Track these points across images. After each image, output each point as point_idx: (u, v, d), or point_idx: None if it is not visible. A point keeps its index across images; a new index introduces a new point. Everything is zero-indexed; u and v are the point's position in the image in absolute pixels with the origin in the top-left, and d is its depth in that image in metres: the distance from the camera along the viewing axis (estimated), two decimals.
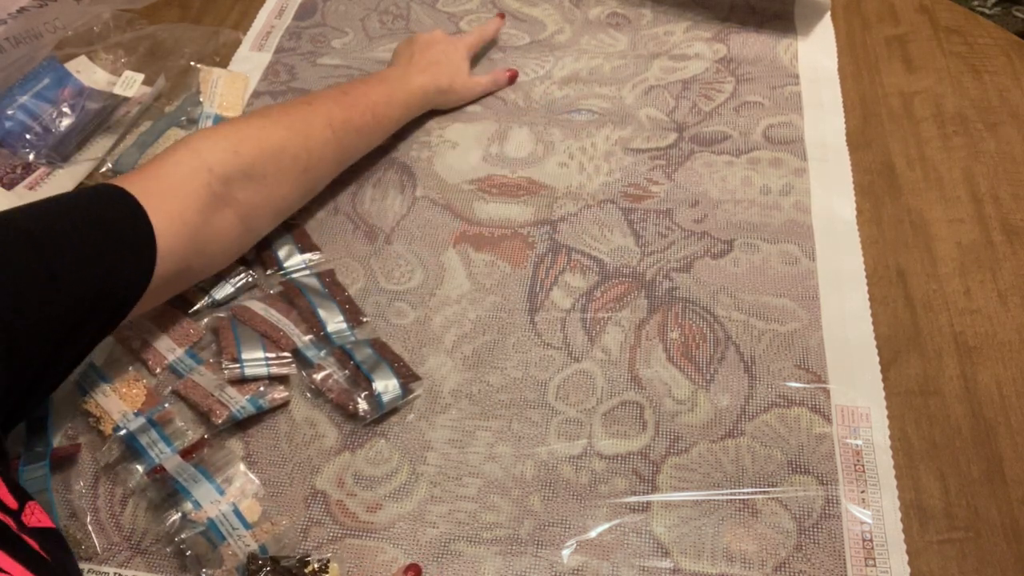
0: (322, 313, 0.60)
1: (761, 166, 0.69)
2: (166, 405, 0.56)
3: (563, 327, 0.60)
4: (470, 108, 0.76)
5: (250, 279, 0.64)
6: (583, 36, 0.83)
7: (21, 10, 0.77)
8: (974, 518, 0.50)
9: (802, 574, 0.48)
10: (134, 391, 0.57)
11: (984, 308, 0.59)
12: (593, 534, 0.50)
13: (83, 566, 0.50)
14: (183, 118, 0.76)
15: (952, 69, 0.77)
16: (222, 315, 0.61)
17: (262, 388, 0.57)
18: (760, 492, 0.51)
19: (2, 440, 0.44)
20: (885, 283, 0.61)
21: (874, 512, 0.50)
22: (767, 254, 0.63)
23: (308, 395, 0.57)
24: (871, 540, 0.49)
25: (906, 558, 0.48)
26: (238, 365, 0.56)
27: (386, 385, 0.55)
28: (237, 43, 0.85)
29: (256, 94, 0.79)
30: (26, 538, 0.38)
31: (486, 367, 0.58)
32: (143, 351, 0.59)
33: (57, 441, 0.56)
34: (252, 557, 0.48)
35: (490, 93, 0.77)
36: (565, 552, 0.50)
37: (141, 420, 0.54)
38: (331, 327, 0.59)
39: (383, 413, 0.55)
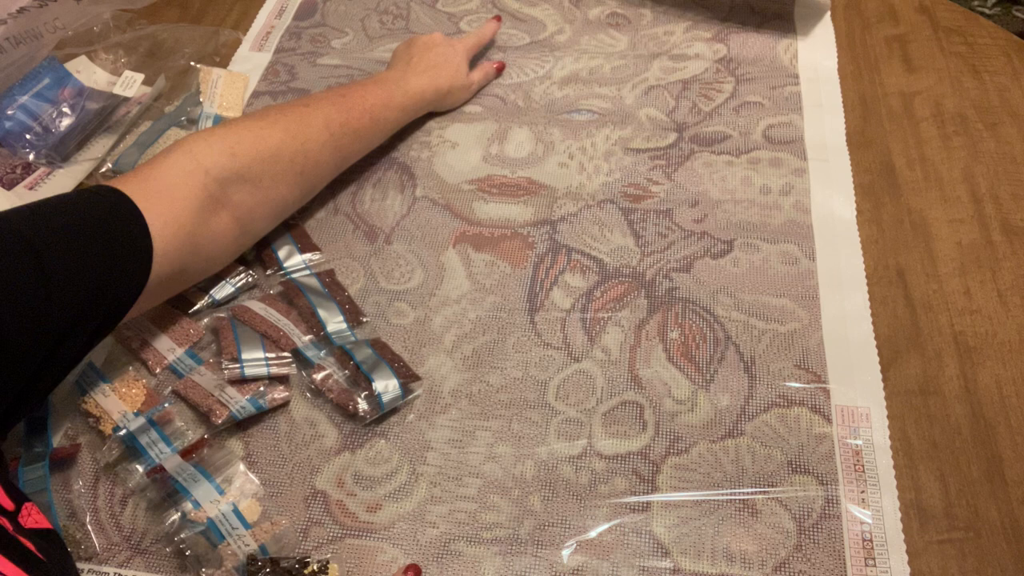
0: (322, 313, 0.60)
1: (761, 166, 0.69)
2: (166, 405, 0.56)
3: (563, 327, 0.60)
4: (470, 108, 0.76)
5: (250, 279, 0.64)
6: (583, 36, 0.83)
7: (21, 10, 0.77)
8: (974, 518, 0.50)
9: (802, 574, 0.48)
10: (134, 391, 0.57)
11: (984, 308, 0.59)
12: (593, 534, 0.50)
13: (83, 566, 0.50)
14: (183, 118, 0.76)
15: (952, 69, 0.77)
16: (222, 315, 0.61)
17: (262, 388, 0.57)
18: (760, 492, 0.51)
19: None
20: (885, 283, 0.61)
21: (874, 512, 0.50)
22: (767, 254, 0.63)
23: (308, 395, 0.57)
24: (871, 540, 0.49)
25: (906, 558, 0.48)
26: (238, 365, 0.56)
27: (386, 385, 0.55)
28: (237, 43, 0.85)
29: (256, 94, 0.79)
30: (23, 539, 0.38)
31: (486, 367, 0.58)
32: (143, 351, 0.59)
33: (57, 441, 0.56)
34: (252, 558, 0.48)
35: (482, 88, 0.78)
36: (565, 552, 0.50)
37: (141, 420, 0.54)
38: (331, 327, 0.59)
39: (383, 413, 0.55)
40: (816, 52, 0.79)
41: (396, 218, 0.68)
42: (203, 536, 0.49)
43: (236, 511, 0.50)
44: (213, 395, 0.56)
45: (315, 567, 0.48)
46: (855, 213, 0.66)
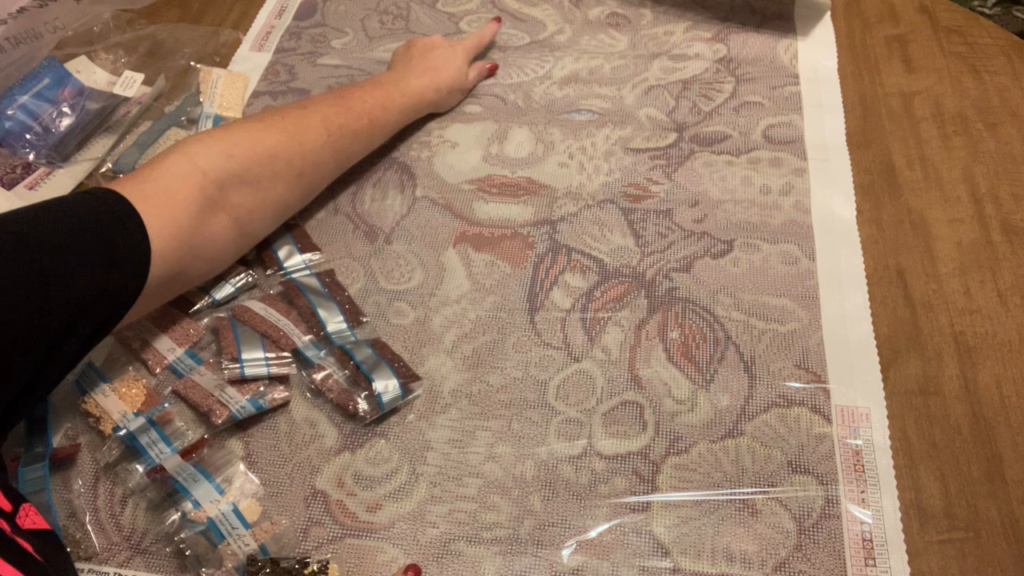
0: (322, 313, 0.60)
1: (761, 166, 0.69)
2: (166, 405, 0.56)
3: (563, 327, 0.60)
4: (470, 108, 0.76)
5: (250, 279, 0.64)
6: (583, 36, 0.83)
7: (21, 10, 0.77)
8: (974, 518, 0.50)
9: (802, 574, 0.48)
10: (134, 391, 0.57)
11: (984, 308, 0.59)
12: (593, 534, 0.50)
13: (83, 566, 0.50)
14: (183, 118, 0.76)
15: (952, 69, 0.77)
16: (222, 315, 0.61)
17: (262, 388, 0.57)
18: (760, 492, 0.51)
19: None
20: (885, 283, 0.61)
21: (874, 512, 0.50)
22: (767, 254, 0.63)
23: (308, 395, 0.57)
24: (871, 540, 0.49)
25: (906, 558, 0.48)
26: (238, 365, 0.56)
27: (386, 385, 0.55)
28: (237, 43, 0.85)
29: (256, 94, 0.79)
30: (20, 540, 0.38)
31: (486, 367, 0.58)
32: (143, 351, 0.59)
33: (57, 441, 0.56)
34: (251, 559, 0.48)
35: (476, 84, 0.78)
36: (565, 552, 0.50)
37: (141, 420, 0.54)
38: (331, 327, 0.59)
39: (383, 413, 0.55)
40: (816, 52, 0.79)
41: (396, 218, 0.68)
42: (203, 536, 0.49)
43: (236, 511, 0.50)
44: (213, 395, 0.56)
45: (315, 567, 0.48)
46: (855, 213, 0.66)
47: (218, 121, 0.75)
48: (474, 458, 0.54)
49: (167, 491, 0.52)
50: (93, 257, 0.47)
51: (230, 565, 0.48)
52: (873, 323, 0.59)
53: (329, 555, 0.50)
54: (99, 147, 0.75)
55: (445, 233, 0.66)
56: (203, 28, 0.86)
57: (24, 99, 0.75)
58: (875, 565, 0.48)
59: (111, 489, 0.54)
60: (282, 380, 0.58)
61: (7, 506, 0.40)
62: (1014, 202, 0.66)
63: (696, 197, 0.67)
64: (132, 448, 0.54)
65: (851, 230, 0.64)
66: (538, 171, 0.70)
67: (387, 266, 0.65)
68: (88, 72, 0.80)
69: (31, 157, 0.73)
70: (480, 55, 0.80)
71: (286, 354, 0.58)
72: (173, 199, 0.53)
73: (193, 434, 0.55)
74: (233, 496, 0.51)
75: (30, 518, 0.41)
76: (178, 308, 0.61)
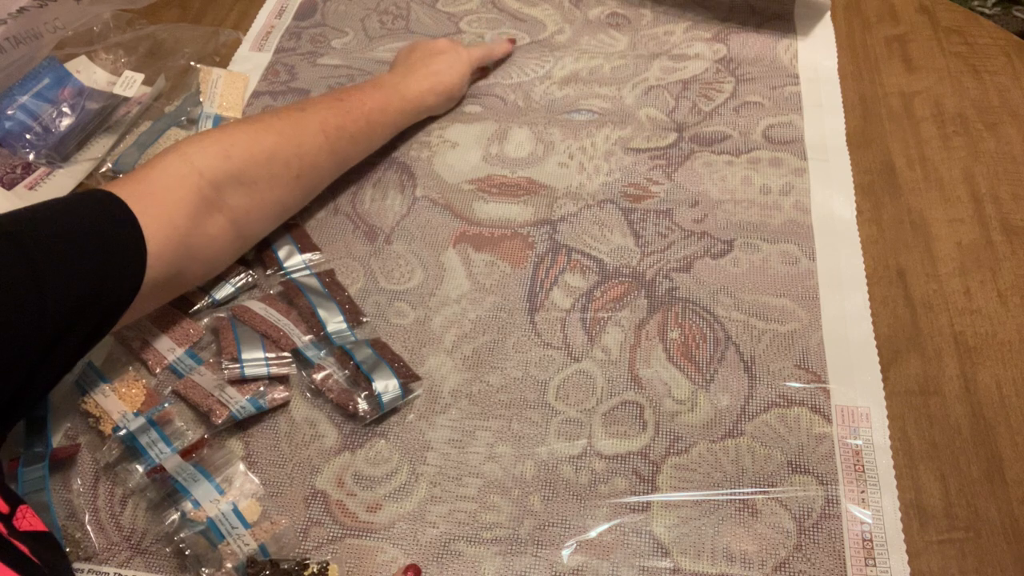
0: (322, 313, 0.60)
1: (761, 166, 0.69)
2: (166, 405, 0.56)
3: (563, 327, 0.60)
4: (470, 108, 0.76)
5: (250, 279, 0.64)
6: (583, 36, 0.83)
7: (21, 10, 0.77)
8: (974, 518, 0.50)
9: (802, 574, 0.48)
10: (134, 391, 0.57)
11: (984, 308, 0.59)
12: (593, 534, 0.50)
13: (83, 566, 0.50)
14: (183, 118, 0.76)
15: (952, 69, 0.77)
16: (222, 315, 0.61)
17: (262, 388, 0.57)
18: (760, 492, 0.51)
19: None
20: (885, 283, 0.61)
21: (874, 512, 0.50)
22: (767, 254, 0.63)
23: (308, 395, 0.57)
24: (871, 540, 0.49)
25: (906, 558, 0.48)
26: (238, 365, 0.56)
27: (386, 385, 0.55)
28: (237, 43, 0.85)
29: (256, 94, 0.79)
30: (16, 543, 0.38)
31: (486, 367, 0.58)
32: (143, 351, 0.59)
33: (57, 441, 0.56)
34: (251, 560, 0.48)
35: (486, 65, 0.78)
36: (565, 552, 0.50)
37: (141, 420, 0.54)
38: (331, 327, 0.59)
39: (383, 413, 0.55)
40: (816, 52, 0.79)
41: (396, 218, 0.68)
42: (203, 536, 0.49)
43: (236, 511, 0.50)
44: (213, 395, 0.56)
45: (315, 569, 0.48)
46: (855, 213, 0.66)
47: (218, 121, 0.75)
48: (474, 458, 0.54)
49: (167, 491, 0.52)
50: (89, 259, 0.47)
51: (230, 565, 0.48)
52: (873, 323, 0.59)
53: (329, 555, 0.50)
54: (99, 147, 0.75)
55: (445, 233, 0.66)
56: (203, 28, 0.86)
57: (24, 99, 0.75)
58: (875, 565, 0.48)
59: (111, 489, 0.54)
60: (282, 380, 0.58)
61: (4, 508, 0.40)
62: (1014, 202, 0.66)
63: (696, 197, 0.67)
64: (132, 448, 0.54)
65: (851, 230, 0.64)
66: (538, 171, 0.70)
67: (387, 266, 0.65)
68: (88, 72, 0.80)
69: (31, 157, 0.73)
70: (491, 67, 0.80)
71: (286, 354, 0.58)
72: (170, 200, 0.53)
73: (193, 434, 0.55)
74: (233, 496, 0.51)
75: (27, 520, 0.41)
76: (178, 308, 0.61)
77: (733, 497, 0.51)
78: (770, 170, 0.69)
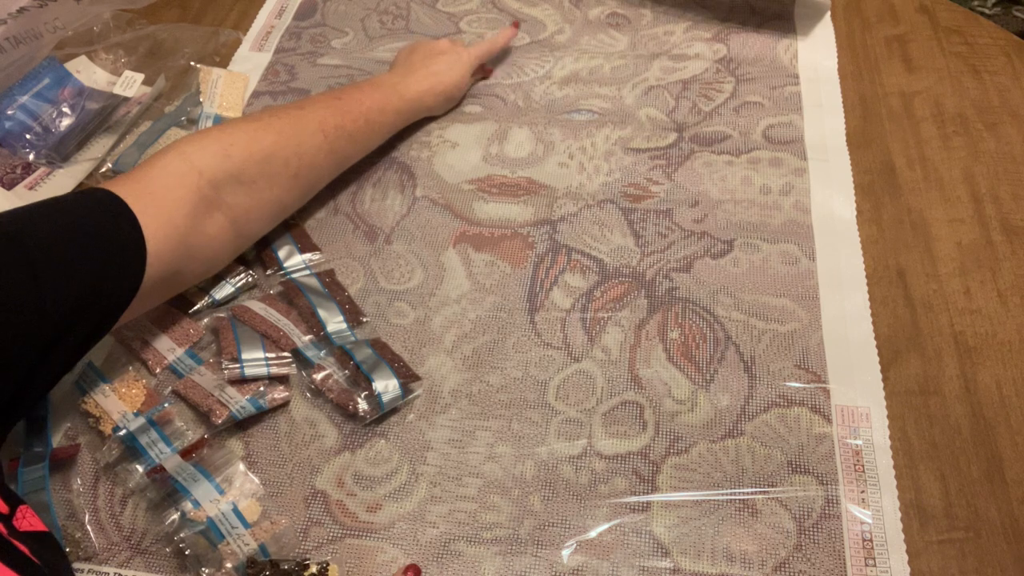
0: (322, 313, 0.60)
1: (761, 166, 0.69)
2: (166, 405, 0.56)
3: (563, 327, 0.60)
4: (470, 108, 0.76)
5: (250, 279, 0.64)
6: (583, 36, 0.83)
7: (21, 10, 0.77)
8: (974, 518, 0.50)
9: (802, 574, 0.48)
10: (134, 391, 0.57)
11: (984, 308, 0.59)
12: (593, 534, 0.50)
13: (82, 566, 0.50)
14: (183, 118, 0.76)
15: (952, 69, 0.77)
16: (222, 315, 0.61)
17: (262, 388, 0.57)
18: (760, 492, 0.51)
19: None
20: (885, 283, 0.61)
21: (874, 512, 0.50)
22: (767, 254, 0.63)
23: (308, 395, 0.57)
24: (871, 540, 0.49)
25: (906, 558, 0.48)
26: (238, 365, 0.56)
27: (386, 385, 0.55)
28: (237, 43, 0.85)
29: (256, 94, 0.79)
30: (16, 543, 0.38)
31: (486, 367, 0.58)
32: (143, 351, 0.59)
33: (57, 441, 0.56)
34: (251, 560, 0.48)
35: (487, 58, 0.78)
36: (565, 552, 0.50)
37: (141, 420, 0.54)
38: (331, 327, 0.59)
39: (383, 413, 0.55)
40: (816, 52, 0.79)
41: (396, 218, 0.68)
42: (203, 535, 0.49)
43: (236, 510, 0.50)
44: (213, 395, 0.56)
45: (315, 569, 0.48)
46: (855, 213, 0.66)
47: (218, 121, 0.75)
48: (474, 458, 0.54)
49: (167, 491, 0.52)
50: (89, 257, 0.47)
51: (230, 565, 0.48)
52: (873, 323, 0.59)
53: (329, 555, 0.50)
54: (99, 147, 0.75)
55: (445, 233, 0.66)
56: (203, 28, 0.86)
57: (24, 99, 0.75)
58: (875, 565, 0.48)
59: (111, 489, 0.54)
60: (282, 380, 0.58)
61: (4, 508, 0.40)
62: (1014, 202, 0.66)
63: (696, 197, 0.67)
64: (132, 448, 0.54)
65: (851, 230, 0.64)
66: (538, 171, 0.70)
67: (387, 266, 0.65)
68: (88, 72, 0.80)
69: (31, 157, 0.73)
70: (499, 59, 0.80)
71: (286, 354, 0.58)
72: (169, 199, 0.53)
73: (193, 434, 0.55)
74: (233, 496, 0.51)
75: (27, 520, 0.41)
76: (178, 308, 0.61)
77: (733, 497, 0.51)
78: (770, 170, 0.69)
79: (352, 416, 0.56)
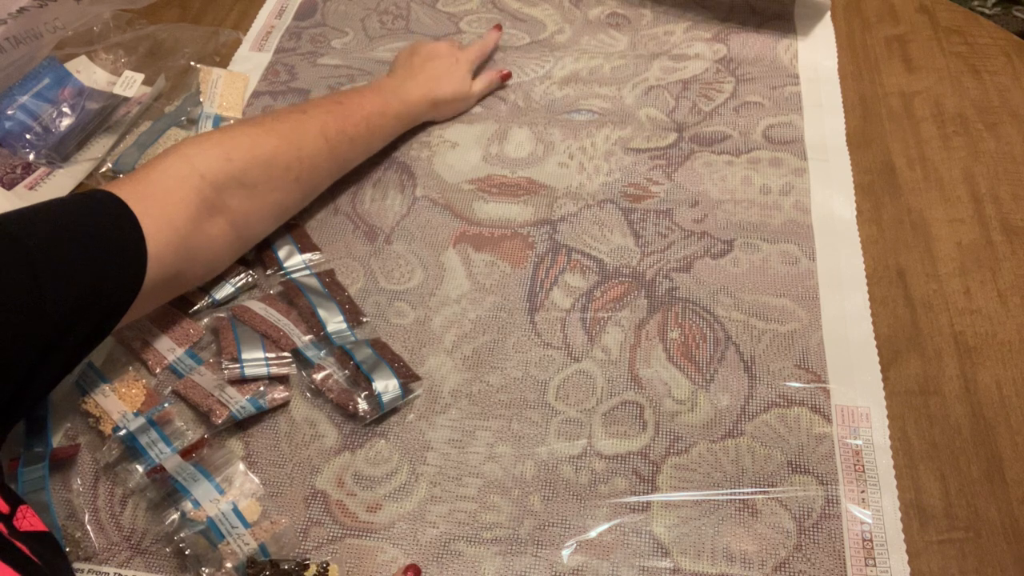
0: (322, 313, 0.60)
1: (761, 166, 0.69)
2: (166, 405, 0.56)
3: (563, 327, 0.60)
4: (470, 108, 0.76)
5: (250, 279, 0.64)
6: (583, 36, 0.83)
7: (21, 10, 0.77)
8: (974, 518, 0.50)
9: (802, 574, 0.48)
10: (134, 391, 0.57)
11: (984, 308, 0.59)
12: (593, 534, 0.50)
13: (82, 566, 0.50)
14: (183, 118, 0.76)
15: (952, 69, 0.77)
16: (222, 315, 0.61)
17: (262, 388, 0.57)
18: (760, 492, 0.51)
19: None
20: (885, 283, 0.61)
21: (874, 512, 0.50)
22: (767, 254, 0.63)
23: (308, 395, 0.57)
24: (871, 540, 0.49)
25: (906, 558, 0.48)
26: (238, 365, 0.56)
27: (386, 385, 0.55)
28: (237, 43, 0.85)
29: (256, 94, 0.79)
30: (17, 543, 0.38)
31: (486, 367, 0.58)
32: (143, 351, 0.59)
33: (57, 441, 0.56)
34: (251, 560, 0.48)
35: (484, 97, 0.77)
36: (565, 552, 0.50)
37: (141, 420, 0.54)
38: (331, 327, 0.59)
39: (383, 413, 0.55)
40: (816, 52, 0.79)
41: (396, 218, 0.68)
42: (203, 535, 0.49)
43: (236, 510, 0.50)
44: (213, 395, 0.56)
45: (315, 569, 0.48)
46: (855, 213, 0.66)
47: (218, 121, 0.75)
48: (474, 458, 0.54)
49: (167, 491, 0.52)
50: (89, 259, 0.47)
51: (230, 565, 0.48)
52: (873, 323, 0.59)
53: (329, 555, 0.50)
54: (99, 147, 0.75)
55: (445, 233, 0.66)
56: (203, 28, 0.86)
57: (24, 99, 0.75)
58: (875, 565, 0.48)
59: (111, 489, 0.54)
60: (282, 380, 0.58)
61: (4, 508, 0.40)
62: (1014, 202, 0.66)
63: (696, 197, 0.67)
64: (132, 448, 0.54)
65: (851, 230, 0.64)
66: (538, 171, 0.70)
67: (387, 266, 0.65)
68: (88, 72, 0.80)
69: (31, 157, 0.73)
70: (485, 61, 0.79)
71: (286, 354, 0.58)
72: (170, 201, 0.53)
73: (193, 434, 0.55)
74: (233, 496, 0.51)
75: (27, 520, 0.41)
76: (178, 308, 0.61)
77: (733, 497, 0.51)
78: (770, 170, 0.69)
79: (352, 416, 0.56)
